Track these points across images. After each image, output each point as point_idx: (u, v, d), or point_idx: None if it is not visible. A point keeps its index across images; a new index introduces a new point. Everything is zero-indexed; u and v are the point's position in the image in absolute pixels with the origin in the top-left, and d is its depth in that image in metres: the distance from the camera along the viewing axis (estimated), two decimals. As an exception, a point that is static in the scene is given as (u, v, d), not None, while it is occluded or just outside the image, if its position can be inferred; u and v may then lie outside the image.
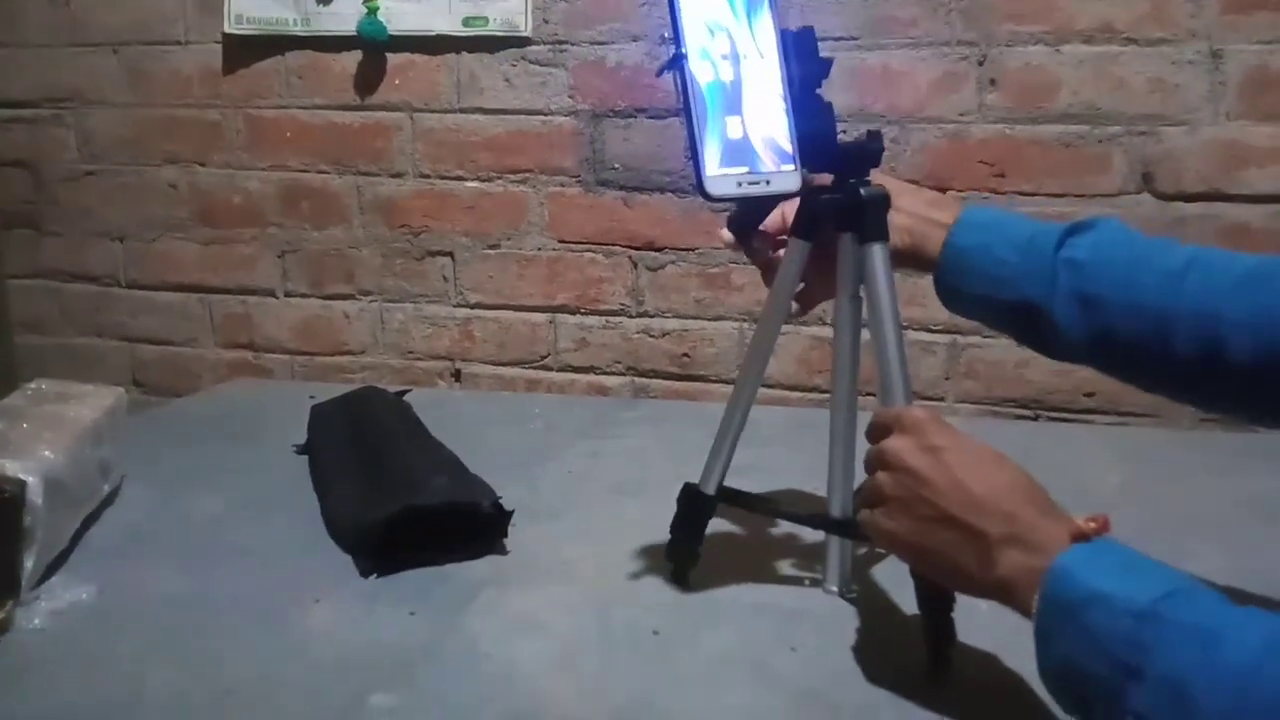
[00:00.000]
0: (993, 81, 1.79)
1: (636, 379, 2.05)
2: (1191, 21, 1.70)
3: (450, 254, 2.12)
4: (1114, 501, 1.20)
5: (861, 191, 0.87)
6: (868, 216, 0.87)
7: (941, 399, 1.88)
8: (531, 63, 2.00)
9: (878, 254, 0.87)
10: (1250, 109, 1.70)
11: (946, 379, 1.88)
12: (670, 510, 1.00)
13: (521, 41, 1.98)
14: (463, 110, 2.05)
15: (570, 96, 1.98)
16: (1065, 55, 1.76)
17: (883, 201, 0.87)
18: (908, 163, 1.84)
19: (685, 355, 2.01)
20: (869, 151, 0.88)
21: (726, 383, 1.96)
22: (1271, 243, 1.69)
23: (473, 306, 2.13)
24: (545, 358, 2.11)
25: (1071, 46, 1.76)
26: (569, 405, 1.91)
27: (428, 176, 2.09)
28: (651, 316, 2.01)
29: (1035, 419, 1.83)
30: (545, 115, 2.01)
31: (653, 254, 1.99)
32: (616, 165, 1.97)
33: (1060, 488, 0.72)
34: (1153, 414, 1.77)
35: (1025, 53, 1.78)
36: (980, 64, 1.79)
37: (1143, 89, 1.78)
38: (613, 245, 2.02)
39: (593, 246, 2.03)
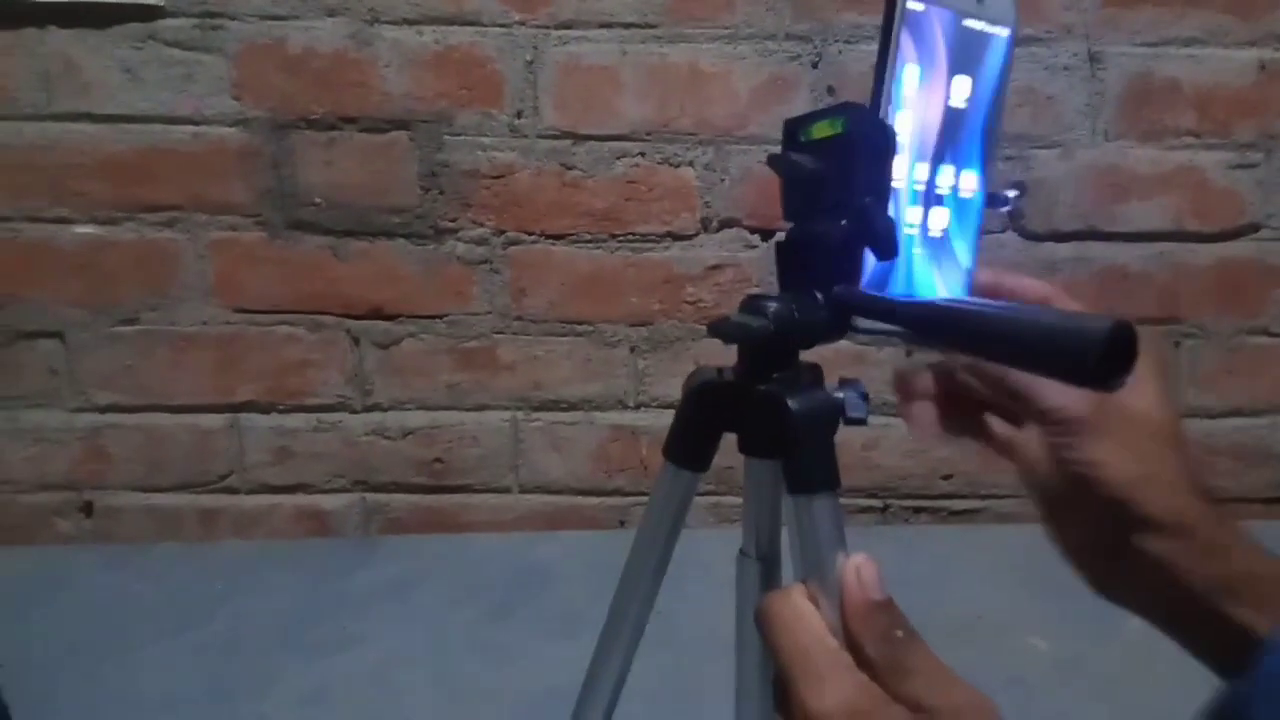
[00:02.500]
0: (831, 90, 1.52)
1: (368, 497, 1.60)
2: (1068, 15, 1.52)
3: (59, 334, 1.56)
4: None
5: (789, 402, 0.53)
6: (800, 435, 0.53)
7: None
8: (168, 44, 1.48)
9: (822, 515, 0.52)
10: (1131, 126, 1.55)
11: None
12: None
13: (150, 12, 1.46)
14: (57, 117, 1.50)
15: (235, 97, 1.49)
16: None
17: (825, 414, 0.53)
18: (724, 196, 1.54)
19: (437, 461, 1.59)
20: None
21: (497, 492, 1.64)
22: (1148, 290, 1.60)
23: (103, 410, 1.59)
24: (227, 477, 1.62)
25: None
26: (265, 561, 1.55)
27: (9, 219, 1.52)
28: (385, 410, 1.57)
29: (884, 510, 1.69)
30: (195, 125, 1.50)
31: (382, 324, 1.57)
32: (318, 200, 1.52)
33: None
34: (1014, 494, 1.65)
35: (871, 53, 1.47)
36: (815, 66, 1.51)
37: (1011, 100, 1.46)
38: (320, 314, 1.57)
39: (289, 316, 1.57)
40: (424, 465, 1.62)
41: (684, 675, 1.13)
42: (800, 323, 0.51)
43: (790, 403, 0.51)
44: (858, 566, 0.45)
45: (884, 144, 0.48)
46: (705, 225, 1.53)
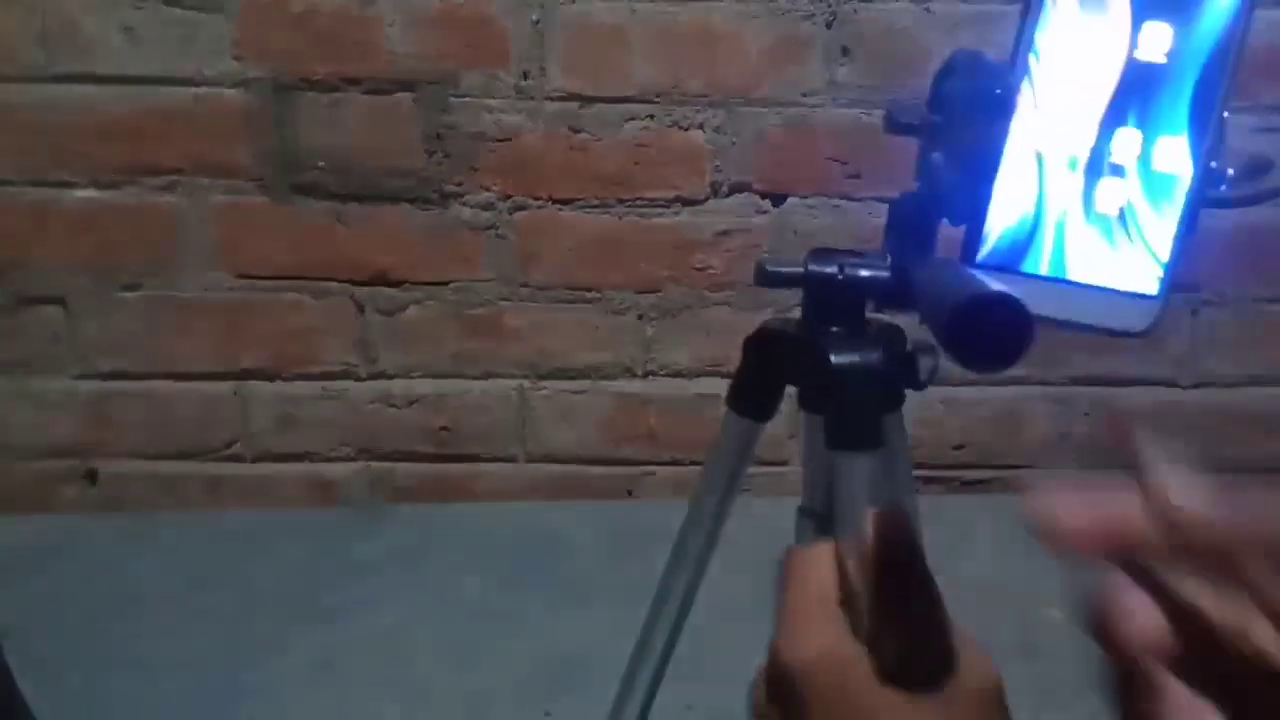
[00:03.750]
0: (845, 50, 1.49)
1: (374, 465, 1.62)
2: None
3: (61, 300, 1.56)
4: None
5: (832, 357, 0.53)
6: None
7: (784, 462, 1.59)
8: (168, 3, 1.47)
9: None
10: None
11: (790, 437, 1.56)
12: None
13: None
14: (57, 78, 1.48)
15: (236, 57, 1.48)
16: (939, 15, 1.46)
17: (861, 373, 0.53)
18: (734, 159, 1.53)
19: (444, 429, 1.58)
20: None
21: (503, 460, 1.65)
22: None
23: (106, 377, 1.59)
24: (232, 444, 1.62)
25: (945, 4, 1.45)
26: (271, 530, 1.55)
27: (10, 183, 1.51)
28: (391, 378, 1.58)
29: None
30: (197, 86, 1.48)
31: (387, 291, 1.56)
32: (321, 163, 1.52)
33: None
34: (1027, 464, 1.65)
35: (887, 11, 1.46)
36: (829, 26, 1.48)
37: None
38: (324, 280, 1.57)
39: (293, 283, 1.57)
40: (430, 433, 1.63)
41: (702, 639, 1.13)
42: (848, 281, 0.50)
43: (832, 357, 0.50)
44: (879, 519, 0.41)
45: (983, 97, 0.42)
46: (715, 190, 1.53)
